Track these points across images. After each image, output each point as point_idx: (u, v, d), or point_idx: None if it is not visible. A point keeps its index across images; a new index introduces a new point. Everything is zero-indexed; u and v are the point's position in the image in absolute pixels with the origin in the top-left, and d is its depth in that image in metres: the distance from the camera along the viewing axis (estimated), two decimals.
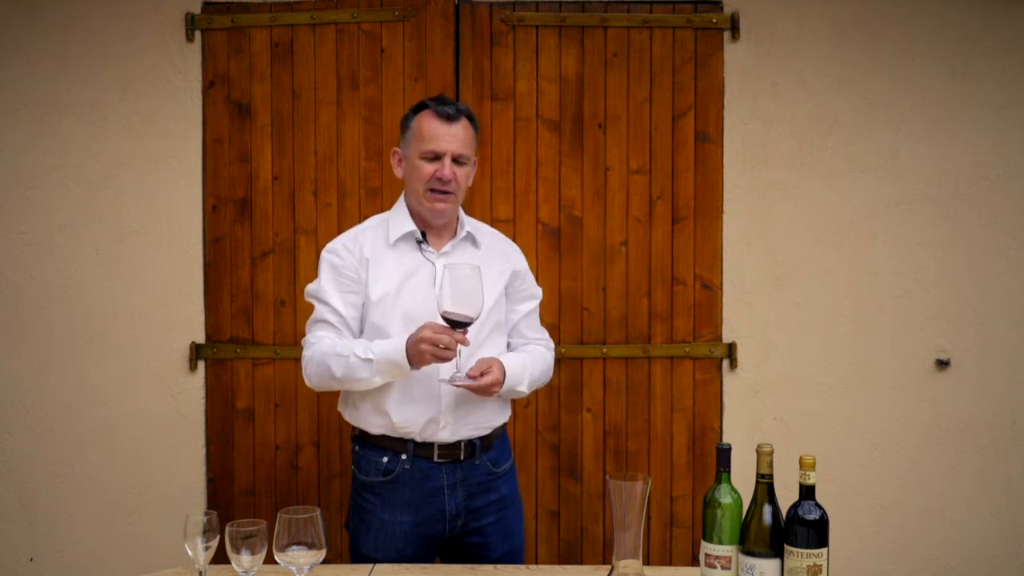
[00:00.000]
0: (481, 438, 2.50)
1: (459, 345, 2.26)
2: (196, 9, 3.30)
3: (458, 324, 2.24)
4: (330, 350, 2.40)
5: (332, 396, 3.33)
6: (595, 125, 3.33)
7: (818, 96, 3.34)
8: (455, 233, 2.53)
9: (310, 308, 2.45)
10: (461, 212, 2.56)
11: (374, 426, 2.47)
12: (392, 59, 3.31)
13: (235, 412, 3.36)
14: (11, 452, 3.37)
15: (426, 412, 2.42)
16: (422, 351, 2.25)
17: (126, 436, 3.37)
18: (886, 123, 3.35)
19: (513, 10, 3.30)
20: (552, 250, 3.34)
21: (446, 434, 2.44)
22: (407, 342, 2.30)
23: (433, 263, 2.47)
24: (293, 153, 3.33)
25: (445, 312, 2.23)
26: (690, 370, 3.37)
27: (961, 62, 3.33)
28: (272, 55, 3.31)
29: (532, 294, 2.65)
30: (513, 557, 2.57)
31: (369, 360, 2.34)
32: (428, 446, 2.45)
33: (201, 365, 3.36)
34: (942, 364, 3.37)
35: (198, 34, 3.30)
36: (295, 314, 3.32)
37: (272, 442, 3.36)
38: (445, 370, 2.36)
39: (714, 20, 3.31)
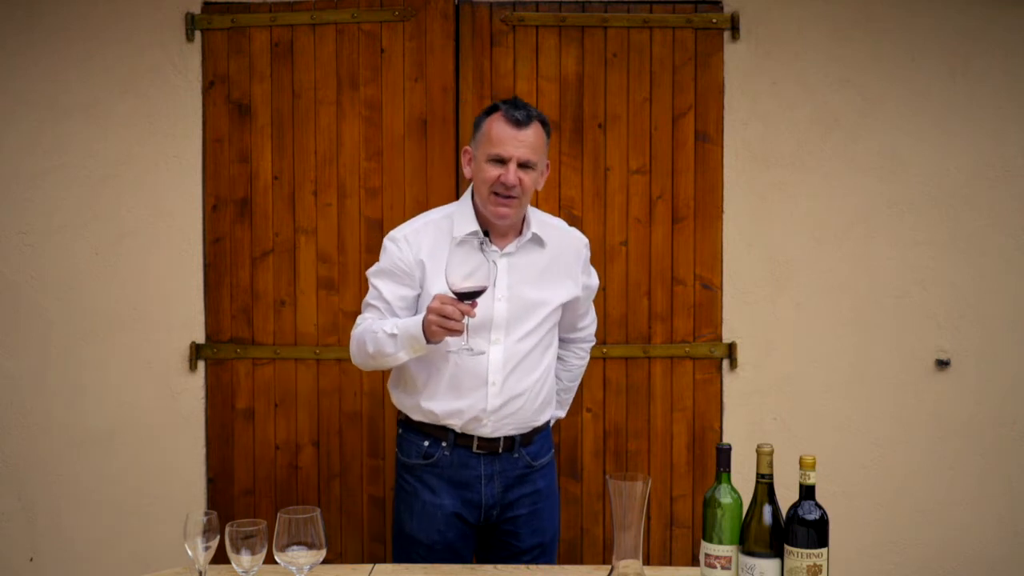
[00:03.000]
0: (522, 435, 2.53)
1: (467, 317, 2.25)
2: (196, 9, 3.30)
3: (468, 295, 2.24)
4: (368, 327, 2.44)
5: (331, 396, 3.34)
6: (595, 125, 3.33)
7: (818, 96, 3.34)
8: (520, 232, 2.52)
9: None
10: (529, 209, 2.54)
11: (417, 413, 2.52)
12: (392, 59, 3.31)
13: (235, 412, 3.36)
14: (11, 452, 3.37)
15: (471, 410, 2.46)
16: (430, 322, 2.27)
17: (126, 436, 3.36)
18: (886, 123, 3.34)
19: (513, 10, 3.30)
20: None
21: (487, 431, 2.48)
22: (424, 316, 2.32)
23: (495, 263, 2.46)
24: (293, 153, 3.33)
25: (454, 287, 2.24)
26: (690, 370, 3.37)
27: (961, 62, 3.33)
28: (272, 55, 3.31)
29: (590, 295, 2.73)
30: (543, 551, 2.59)
31: (394, 335, 2.37)
32: (468, 437, 2.49)
33: (201, 365, 3.36)
34: (942, 364, 3.37)
35: (198, 34, 3.30)
36: (295, 314, 3.32)
37: (272, 442, 3.36)
38: (453, 343, 2.37)
39: (714, 20, 3.30)
